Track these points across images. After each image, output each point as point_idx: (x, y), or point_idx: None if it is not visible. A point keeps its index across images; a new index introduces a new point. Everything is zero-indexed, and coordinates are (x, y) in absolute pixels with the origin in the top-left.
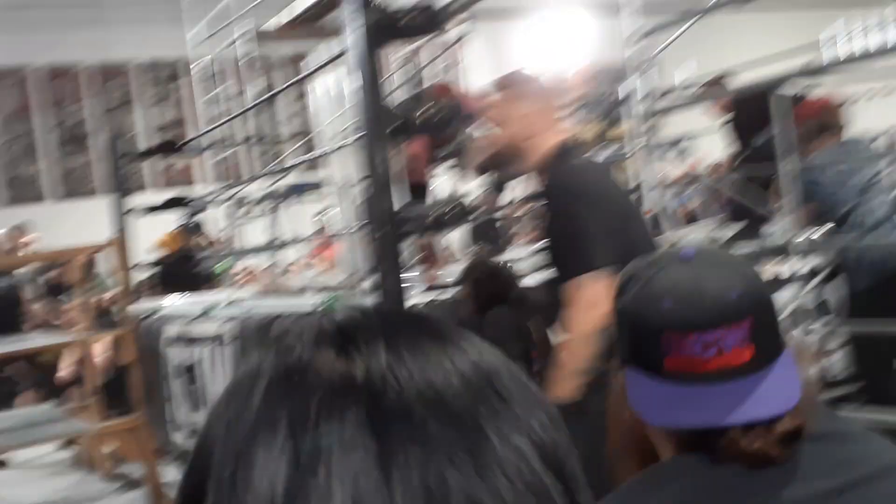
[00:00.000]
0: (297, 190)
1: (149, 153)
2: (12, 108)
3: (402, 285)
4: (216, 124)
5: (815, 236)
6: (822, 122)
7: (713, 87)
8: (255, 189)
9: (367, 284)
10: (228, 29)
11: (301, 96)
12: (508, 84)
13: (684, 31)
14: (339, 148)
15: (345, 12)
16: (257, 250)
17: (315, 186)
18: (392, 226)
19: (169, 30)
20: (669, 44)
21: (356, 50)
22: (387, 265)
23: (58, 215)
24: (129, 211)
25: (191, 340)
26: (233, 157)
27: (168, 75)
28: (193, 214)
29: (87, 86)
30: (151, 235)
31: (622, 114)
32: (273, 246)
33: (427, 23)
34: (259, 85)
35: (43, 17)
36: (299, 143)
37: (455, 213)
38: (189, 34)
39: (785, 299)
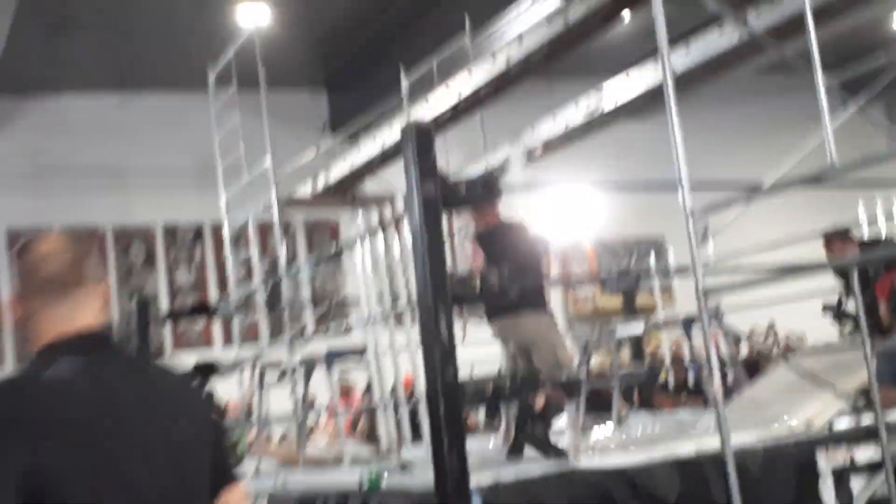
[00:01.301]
0: (333, 357)
1: (182, 314)
2: None
3: (464, 458)
4: (248, 289)
5: None
6: None
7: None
8: (280, 353)
9: (403, 456)
10: (261, 195)
11: (333, 257)
12: None
13: (740, 212)
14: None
15: (409, 180)
16: (282, 419)
17: (356, 353)
18: (456, 397)
19: (189, 194)
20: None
21: (417, 220)
22: (450, 437)
23: None
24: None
25: None
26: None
27: (190, 238)
28: (205, 382)
29: (108, 247)
30: None
31: (644, 287)
32: (300, 413)
33: (487, 193)
34: (286, 248)
35: (69, 181)
36: (331, 307)
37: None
38: (222, 200)
39: None
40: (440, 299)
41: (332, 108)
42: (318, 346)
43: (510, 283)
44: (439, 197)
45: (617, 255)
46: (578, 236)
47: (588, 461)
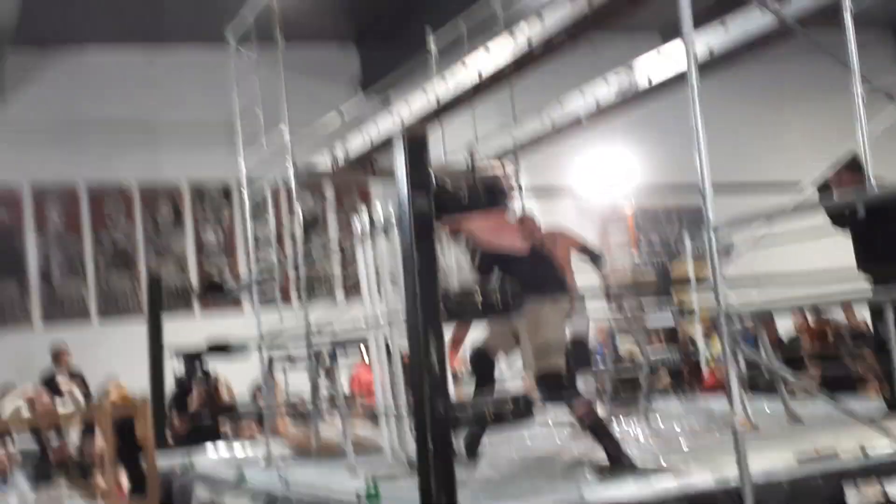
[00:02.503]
0: (341, 347)
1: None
2: (62, 225)
3: (453, 492)
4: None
5: None
6: None
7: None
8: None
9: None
10: (281, 160)
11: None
12: None
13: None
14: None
15: (400, 192)
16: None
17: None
18: (445, 430)
19: (218, 152)
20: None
21: (407, 237)
22: (437, 472)
23: (102, 336)
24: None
25: None
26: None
27: (217, 198)
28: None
29: (136, 205)
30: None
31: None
32: (316, 401)
33: (490, 200)
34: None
35: (97, 135)
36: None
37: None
38: (241, 166)
39: None
40: (430, 325)
41: (363, 64)
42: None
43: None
44: (433, 212)
45: (658, 223)
46: (617, 202)
47: (592, 494)
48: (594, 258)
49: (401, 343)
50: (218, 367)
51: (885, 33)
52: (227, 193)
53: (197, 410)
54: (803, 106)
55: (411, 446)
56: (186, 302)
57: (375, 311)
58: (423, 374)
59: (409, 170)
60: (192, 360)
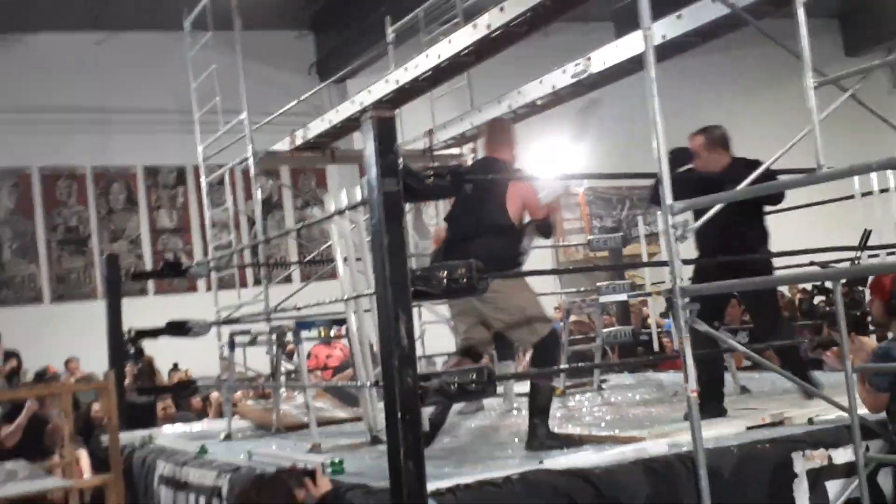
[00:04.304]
0: (306, 326)
1: (152, 275)
2: (14, 207)
3: (422, 466)
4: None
5: None
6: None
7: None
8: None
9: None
10: (241, 143)
11: (304, 206)
12: None
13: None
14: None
15: (370, 174)
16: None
17: (326, 322)
18: (414, 403)
19: (172, 136)
20: None
21: (378, 217)
22: (407, 445)
23: (55, 317)
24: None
25: (184, 485)
26: (238, 275)
27: (172, 180)
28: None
29: (90, 188)
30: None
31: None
32: (275, 375)
33: (452, 186)
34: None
35: (49, 120)
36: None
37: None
38: (200, 147)
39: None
40: (400, 302)
41: (319, 49)
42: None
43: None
44: (402, 194)
45: (610, 204)
46: (570, 184)
47: (553, 462)
48: (544, 227)
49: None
50: (178, 346)
51: (831, 22)
52: (181, 176)
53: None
54: (758, 93)
55: (376, 419)
56: (140, 283)
57: (345, 289)
58: (392, 347)
59: (379, 152)
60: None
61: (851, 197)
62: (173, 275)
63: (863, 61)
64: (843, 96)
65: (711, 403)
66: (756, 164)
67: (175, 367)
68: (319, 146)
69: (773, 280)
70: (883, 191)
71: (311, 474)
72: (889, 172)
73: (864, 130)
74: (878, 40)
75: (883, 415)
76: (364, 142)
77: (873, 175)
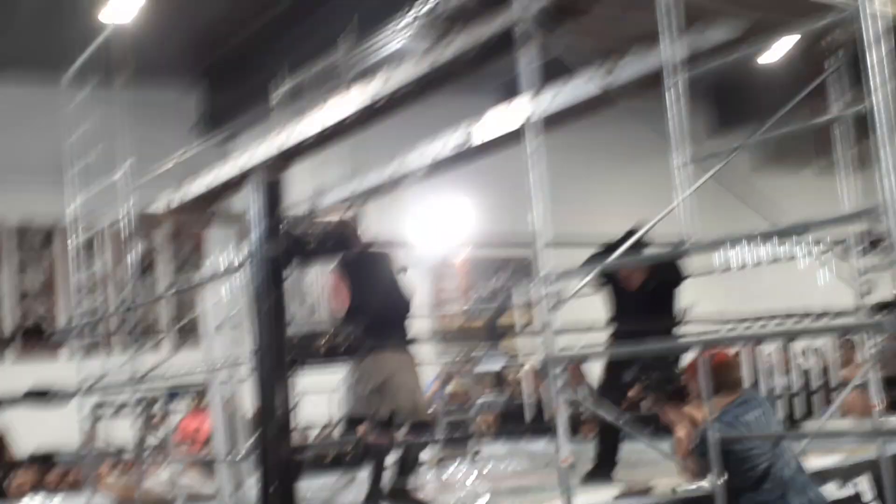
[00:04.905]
0: (173, 396)
1: (11, 340)
2: None
3: None
4: (91, 318)
5: None
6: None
7: None
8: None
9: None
10: (113, 202)
11: (179, 269)
12: None
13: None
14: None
15: (252, 239)
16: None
17: (196, 392)
18: (289, 474)
19: (44, 191)
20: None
21: (258, 280)
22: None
23: None
24: None
25: None
26: (104, 341)
27: (40, 240)
28: None
29: None
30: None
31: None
32: (141, 448)
33: (337, 247)
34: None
35: None
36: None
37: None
38: (69, 206)
39: None
40: (278, 370)
41: (204, 108)
42: (166, 372)
43: (372, 320)
44: (283, 258)
45: (487, 273)
46: (449, 251)
47: None
48: None
49: (236, 388)
50: (35, 415)
51: (704, 100)
52: (49, 236)
53: None
54: (630, 166)
55: (246, 493)
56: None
57: (213, 355)
58: (268, 417)
59: (263, 213)
60: None
61: (711, 272)
62: (35, 340)
63: (731, 139)
64: (705, 176)
65: (604, 468)
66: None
67: None
68: (198, 207)
69: (623, 352)
70: (742, 267)
71: None
72: (747, 249)
73: (729, 207)
74: (749, 120)
75: None
76: (248, 204)
77: (732, 252)
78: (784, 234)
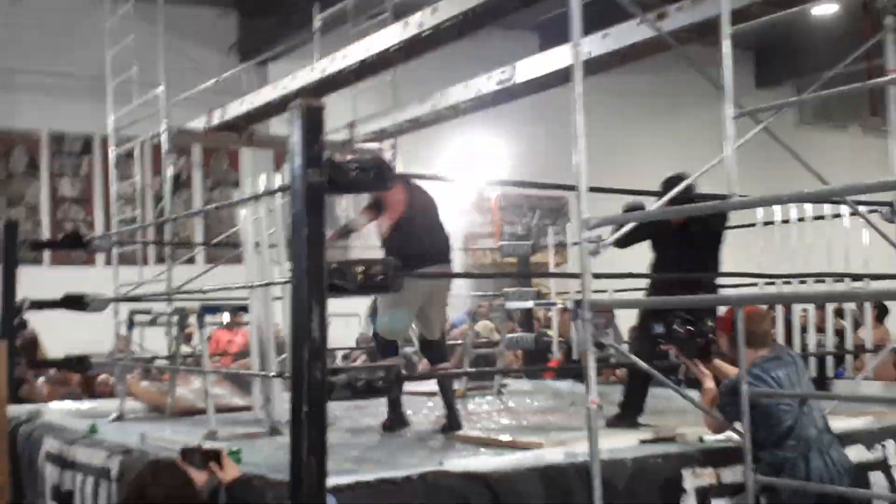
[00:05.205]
0: (207, 312)
1: (51, 244)
2: None
3: (324, 463)
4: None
5: None
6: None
7: None
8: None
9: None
10: (154, 117)
11: (214, 187)
12: None
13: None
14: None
15: (294, 164)
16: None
17: (232, 308)
18: (321, 398)
19: (81, 102)
20: None
21: (299, 208)
22: (311, 440)
23: None
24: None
25: (71, 464)
26: (141, 251)
27: (77, 148)
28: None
29: None
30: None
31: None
32: (176, 359)
33: (378, 178)
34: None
35: None
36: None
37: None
38: (111, 117)
39: None
40: (315, 294)
41: (242, 30)
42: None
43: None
44: (325, 186)
45: (521, 211)
46: (483, 188)
47: (452, 464)
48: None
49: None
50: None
51: (745, 54)
52: (87, 145)
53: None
54: (673, 117)
55: (277, 409)
56: (35, 253)
57: (251, 275)
58: (303, 339)
59: (305, 142)
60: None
61: (753, 225)
62: (74, 246)
63: (772, 94)
64: (756, 128)
65: (630, 413)
66: None
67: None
68: (236, 128)
69: (657, 302)
70: (784, 221)
71: (217, 457)
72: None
73: (773, 160)
74: (789, 75)
75: None
76: (291, 129)
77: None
78: (835, 194)
